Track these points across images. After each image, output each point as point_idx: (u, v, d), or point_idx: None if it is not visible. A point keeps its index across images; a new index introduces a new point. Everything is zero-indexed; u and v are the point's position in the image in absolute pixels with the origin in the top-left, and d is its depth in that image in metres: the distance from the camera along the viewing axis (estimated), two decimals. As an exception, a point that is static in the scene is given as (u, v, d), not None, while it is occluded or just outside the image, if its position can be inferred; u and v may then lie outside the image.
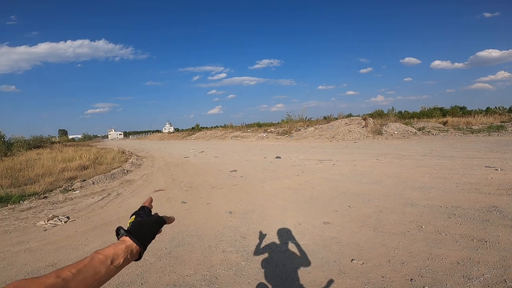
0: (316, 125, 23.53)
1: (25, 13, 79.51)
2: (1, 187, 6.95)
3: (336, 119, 24.10)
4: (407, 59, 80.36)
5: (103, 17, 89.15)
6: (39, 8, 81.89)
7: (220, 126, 40.89)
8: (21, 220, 4.73)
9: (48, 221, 4.39)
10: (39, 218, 4.72)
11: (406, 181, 5.82)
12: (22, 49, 77.89)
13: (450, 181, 5.52)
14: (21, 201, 5.88)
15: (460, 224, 3.43)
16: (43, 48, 79.36)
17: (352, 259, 2.78)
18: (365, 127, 18.85)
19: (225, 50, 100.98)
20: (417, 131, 17.88)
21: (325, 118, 27.76)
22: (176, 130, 70.32)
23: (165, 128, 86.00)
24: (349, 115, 27.23)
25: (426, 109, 27.51)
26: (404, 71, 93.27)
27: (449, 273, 2.43)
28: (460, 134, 16.36)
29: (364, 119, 20.48)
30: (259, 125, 34.02)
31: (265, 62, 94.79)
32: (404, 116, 26.18)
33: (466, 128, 17.85)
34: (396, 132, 17.61)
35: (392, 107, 31.11)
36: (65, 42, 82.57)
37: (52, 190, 6.89)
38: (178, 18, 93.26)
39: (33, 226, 4.36)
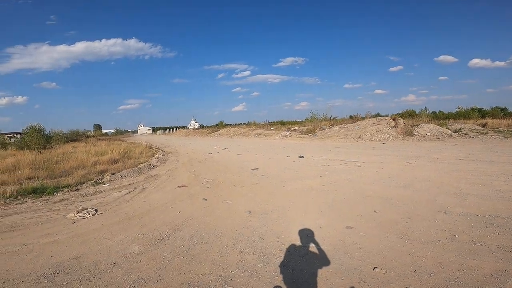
0: (341, 124, 22.84)
1: (63, 13, 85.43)
2: (38, 178, 7.48)
3: (363, 118, 23.21)
4: (442, 57, 75.26)
5: (134, 16, 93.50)
6: (76, 8, 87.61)
7: (244, 123, 41.20)
8: (53, 211, 5.03)
9: (77, 213, 4.62)
10: (70, 210, 4.99)
11: (440, 186, 5.45)
12: (62, 48, 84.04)
13: (489, 188, 5.08)
14: (55, 193, 6.28)
15: (498, 234, 3.17)
16: (80, 47, 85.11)
17: (375, 267, 2.64)
18: (394, 128, 17.97)
19: (249, 48, 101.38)
20: (452, 133, 16.72)
21: (351, 117, 26.85)
22: (201, 126, 71.84)
23: (190, 124, 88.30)
24: (377, 115, 26.13)
25: (463, 110, 25.63)
26: (439, 69, 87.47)
27: (480, 285, 2.26)
28: (500, 137, 15.04)
29: (393, 119, 19.50)
30: (283, 123, 33.78)
31: (289, 60, 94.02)
32: (439, 117, 24.59)
33: (508, 130, 16.38)
34: (429, 134, 16.60)
35: (425, 107, 29.35)
36: (100, 41, 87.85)
37: (84, 183, 7.29)
38: (204, 17, 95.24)
39: (63, 218, 4.61)
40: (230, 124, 49.18)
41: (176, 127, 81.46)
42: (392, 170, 7.33)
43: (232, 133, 34.17)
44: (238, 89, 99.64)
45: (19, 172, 8.32)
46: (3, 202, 5.57)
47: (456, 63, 73.70)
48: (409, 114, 25.10)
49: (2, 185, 6.93)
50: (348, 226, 3.68)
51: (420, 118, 21.87)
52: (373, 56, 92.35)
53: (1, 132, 24.05)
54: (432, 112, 27.94)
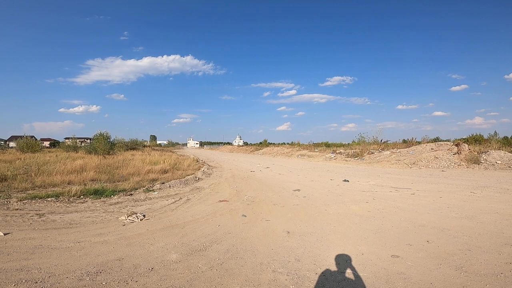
0: (393, 148, 21.27)
1: (134, 29, 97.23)
2: (100, 181, 8.37)
3: (419, 143, 21.32)
4: (514, 75, 66.31)
5: (191, 34, 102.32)
6: (144, 25, 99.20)
7: (287, 143, 40.95)
8: (108, 213, 5.52)
9: (128, 217, 5.02)
10: (122, 213, 5.44)
11: (509, 219, 4.79)
12: (131, 62, 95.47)
13: None
14: (112, 196, 6.94)
15: None
16: (146, 62, 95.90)
17: (421, 301, 2.35)
18: (457, 154, 16.11)
19: (295, 67, 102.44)
20: (530, 163, 14.34)
21: (404, 141, 24.87)
22: (245, 143, 73.42)
23: (235, 141, 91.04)
24: (436, 139, 23.84)
25: (543, 136, 21.92)
26: (511, 88, 77.16)
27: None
28: None
29: (456, 145, 17.50)
30: (328, 145, 32.75)
31: (336, 79, 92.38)
32: (511, 143, 21.41)
33: None
34: (499, 162, 14.50)
35: (495, 131, 25.74)
36: (162, 57, 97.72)
37: (137, 189, 7.93)
38: (253, 35, 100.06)
39: (115, 220, 5.02)
40: (274, 143, 49.38)
41: (222, 143, 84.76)
42: (453, 200, 6.52)
43: (275, 153, 34.20)
44: (283, 108, 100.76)
45: (85, 173, 9.43)
46: (67, 200, 6.33)
47: (531, 82, 64.36)
48: (476, 139, 22.30)
49: (69, 184, 7.94)
50: (394, 255, 3.35)
51: (488, 144, 19.29)
52: (431, 74, 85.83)
53: (75, 137, 27.94)
54: (504, 137, 24.37)
